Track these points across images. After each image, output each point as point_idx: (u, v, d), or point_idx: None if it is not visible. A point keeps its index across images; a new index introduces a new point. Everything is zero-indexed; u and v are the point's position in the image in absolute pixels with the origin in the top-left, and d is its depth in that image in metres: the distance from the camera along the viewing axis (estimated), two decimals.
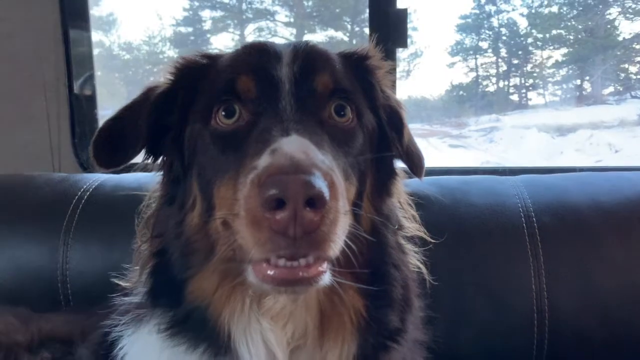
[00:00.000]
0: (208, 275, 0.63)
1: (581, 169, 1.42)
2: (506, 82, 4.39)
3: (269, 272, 0.54)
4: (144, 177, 1.25)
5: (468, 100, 5.52)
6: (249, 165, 0.54)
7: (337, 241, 0.54)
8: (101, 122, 1.63)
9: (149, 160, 0.71)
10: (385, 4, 1.39)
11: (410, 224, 0.80)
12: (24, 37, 1.56)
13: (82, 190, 1.20)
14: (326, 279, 0.56)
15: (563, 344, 1.05)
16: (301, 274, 0.53)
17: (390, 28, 1.44)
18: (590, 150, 5.16)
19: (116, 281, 0.75)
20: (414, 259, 0.78)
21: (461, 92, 4.73)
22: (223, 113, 0.62)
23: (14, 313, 0.98)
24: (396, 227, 0.74)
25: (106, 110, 1.93)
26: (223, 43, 3.59)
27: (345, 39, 3.40)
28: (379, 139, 0.72)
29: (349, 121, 0.66)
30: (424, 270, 0.79)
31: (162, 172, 0.71)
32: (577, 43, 3.99)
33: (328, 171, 0.53)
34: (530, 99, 5.32)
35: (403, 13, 1.41)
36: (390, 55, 1.45)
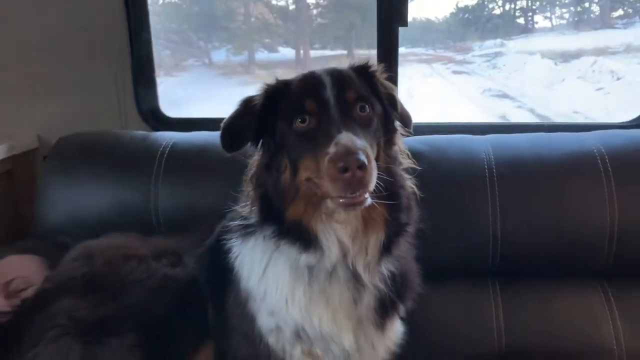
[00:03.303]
0: (297, 205, 1.10)
1: (543, 126, 1.89)
2: (512, 5, 4.53)
3: (341, 200, 1.01)
4: (207, 135, 1.74)
5: (473, 24, 5.64)
6: (324, 151, 1.00)
7: (373, 182, 1.01)
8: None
9: (254, 146, 1.16)
10: None
11: (405, 160, 1.26)
12: (92, 12, 1.97)
13: (162, 146, 1.68)
14: (369, 201, 1.03)
15: (510, 257, 1.55)
16: (356, 200, 1.01)
17: (392, 10, 1.86)
18: (592, 78, 5.37)
19: (238, 209, 1.23)
20: (409, 182, 1.24)
21: (467, 15, 4.92)
22: (299, 120, 1.07)
23: (135, 236, 1.49)
24: (398, 163, 1.21)
25: None
26: None
27: None
28: (384, 115, 1.17)
29: (368, 114, 1.11)
30: (415, 189, 1.25)
31: (261, 150, 1.16)
32: None
33: (365, 149, 1.00)
34: (537, 22, 5.39)
35: None
36: (393, 35, 1.89)
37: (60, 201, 1.67)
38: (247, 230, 1.19)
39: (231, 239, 1.23)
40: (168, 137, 1.72)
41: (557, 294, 1.54)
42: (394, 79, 1.81)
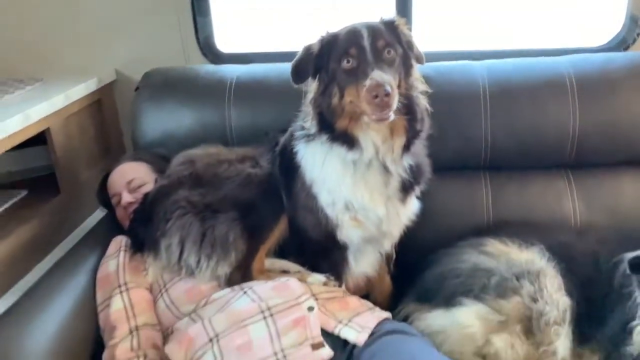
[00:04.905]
0: (343, 119, 1.52)
1: (535, 52, 2.37)
2: None
3: (373, 116, 1.42)
4: (264, 67, 2.27)
5: None
6: (362, 83, 1.45)
7: (395, 104, 1.39)
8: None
9: (312, 79, 1.63)
10: None
11: (421, 85, 1.70)
12: None
13: (230, 77, 2.15)
14: (392, 116, 1.42)
15: (497, 155, 2.06)
16: (384, 116, 1.40)
17: None
18: None
19: (300, 123, 1.68)
20: (424, 101, 1.68)
21: None
22: (345, 61, 1.51)
23: (220, 146, 2.06)
24: (415, 88, 1.67)
25: None
26: None
27: None
28: (404, 55, 1.62)
29: (392, 56, 1.54)
30: (427, 106, 1.68)
31: (317, 81, 1.61)
32: None
33: (390, 82, 1.45)
34: None
35: None
36: None
37: (153, 122, 2.18)
38: (308, 138, 1.69)
39: (297, 144, 1.74)
40: (233, 69, 2.22)
41: (533, 180, 2.08)
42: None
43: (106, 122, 2.61)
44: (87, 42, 2.58)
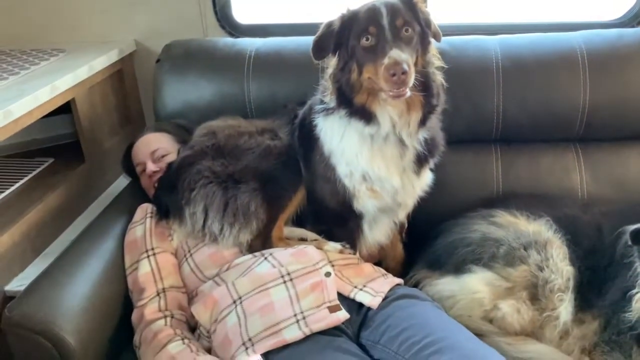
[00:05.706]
0: (362, 95, 1.55)
1: (548, 26, 2.41)
2: None
3: (390, 93, 1.46)
4: (282, 40, 2.32)
5: None
6: (380, 61, 1.51)
7: (412, 81, 1.43)
8: None
9: (332, 55, 1.69)
10: None
11: (437, 61, 1.75)
12: None
13: (249, 50, 2.20)
14: (409, 93, 1.46)
15: (508, 128, 2.12)
16: (400, 93, 1.45)
17: None
18: None
19: (318, 97, 1.73)
20: (439, 77, 1.74)
21: None
22: (365, 39, 1.56)
23: (239, 118, 2.13)
24: (431, 64, 1.71)
25: None
26: None
27: None
28: (422, 33, 1.65)
29: (410, 34, 1.59)
30: (443, 81, 1.74)
31: (337, 58, 1.66)
32: None
33: (407, 60, 1.51)
34: None
35: None
36: None
37: (174, 93, 2.24)
38: (327, 112, 1.75)
39: (316, 117, 1.80)
40: (251, 42, 2.26)
41: (542, 153, 2.14)
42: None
43: (126, 92, 2.68)
44: (106, 12, 2.63)
